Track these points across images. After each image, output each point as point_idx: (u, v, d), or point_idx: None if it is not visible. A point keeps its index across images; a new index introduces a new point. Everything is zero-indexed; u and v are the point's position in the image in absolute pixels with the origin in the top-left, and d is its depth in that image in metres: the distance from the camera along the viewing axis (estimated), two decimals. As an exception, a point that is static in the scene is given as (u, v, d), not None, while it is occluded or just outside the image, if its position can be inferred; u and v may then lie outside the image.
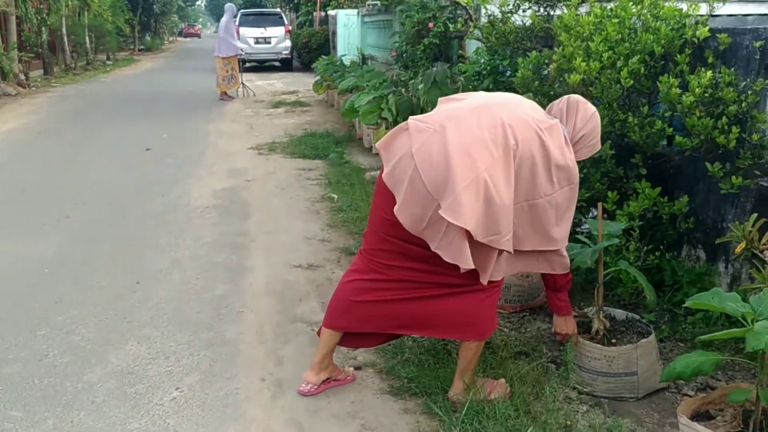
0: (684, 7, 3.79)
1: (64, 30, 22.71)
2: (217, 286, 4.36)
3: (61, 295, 4.21)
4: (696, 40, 3.59)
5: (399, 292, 2.91)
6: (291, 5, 32.49)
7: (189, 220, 5.81)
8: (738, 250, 2.64)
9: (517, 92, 4.42)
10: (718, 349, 3.25)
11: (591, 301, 3.81)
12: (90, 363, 3.39)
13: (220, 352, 3.51)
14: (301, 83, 17.62)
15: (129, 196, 6.58)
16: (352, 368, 3.29)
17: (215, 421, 2.92)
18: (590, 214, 4.39)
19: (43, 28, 20.23)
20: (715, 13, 4.32)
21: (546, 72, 4.35)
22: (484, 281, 2.77)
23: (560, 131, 2.79)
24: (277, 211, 6.08)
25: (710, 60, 3.55)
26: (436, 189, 2.60)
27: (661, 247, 3.93)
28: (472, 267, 2.62)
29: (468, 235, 2.59)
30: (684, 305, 2.53)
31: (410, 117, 2.89)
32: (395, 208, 2.70)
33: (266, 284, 4.40)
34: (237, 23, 21.91)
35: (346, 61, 13.54)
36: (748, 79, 3.38)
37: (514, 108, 2.80)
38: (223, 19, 14.37)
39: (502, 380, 3.09)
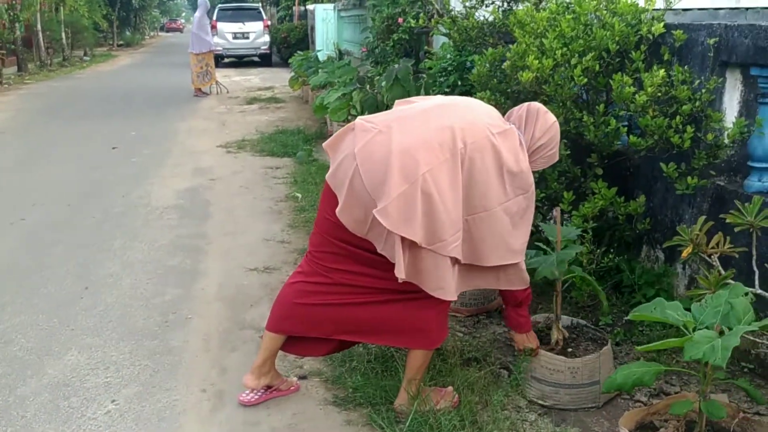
0: (641, 2, 3.70)
1: (39, 26, 22.36)
2: (168, 291, 4.24)
3: (5, 302, 4.07)
4: (651, 37, 3.50)
5: (344, 297, 2.79)
6: (270, 0, 32.23)
7: (147, 222, 5.67)
8: (684, 254, 2.54)
9: (474, 89, 4.33)
10: (670, 356, 3.19)
11: (547, 306, 3.74)
12: (25, 375, 3.26)
13: (162, 361, 3.39)
14: (279, 79, 17.45)
15: (89, 197, 6.43)
16: (295, 378, 3.18)
17: (148, 436, 2.81)
18: (550, 216, 4.32)
19: (17, 24, 19.92)
20: (687, 7, 4.25)
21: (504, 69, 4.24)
22: (436, 295, 2.65)
23: (515, 137, 2.68)
24: (238, 212, 5.95)
25: (666, 57, 3.46)
26: (374, 190, 2.49)
27: (618, 247, 3.85)
28: (404, 278, 2.51)
29: (414, 243, 2.50)
30: (628, 317, 2.44)
31: (358, 117, 2.79)
32: (337, 210, 2.60)
33: (218, 289, 4.27)
34: (215, 18, 21.78)
35: (323, 57, 13.40)
36: (703, 77, 3.30)
37: (467, 111, 2.70)
38: (197, 14, 14.17)
39: (450, 388, 3.00)
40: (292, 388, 3.12)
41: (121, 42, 37.97)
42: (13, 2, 19.43)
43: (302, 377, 3.20)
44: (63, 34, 25.05)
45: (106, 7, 31.90)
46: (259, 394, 3.02)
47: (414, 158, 2.49)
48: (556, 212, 2.99)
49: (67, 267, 4.65)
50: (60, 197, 6.40)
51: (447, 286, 2.63)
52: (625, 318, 2.59)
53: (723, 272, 2.48)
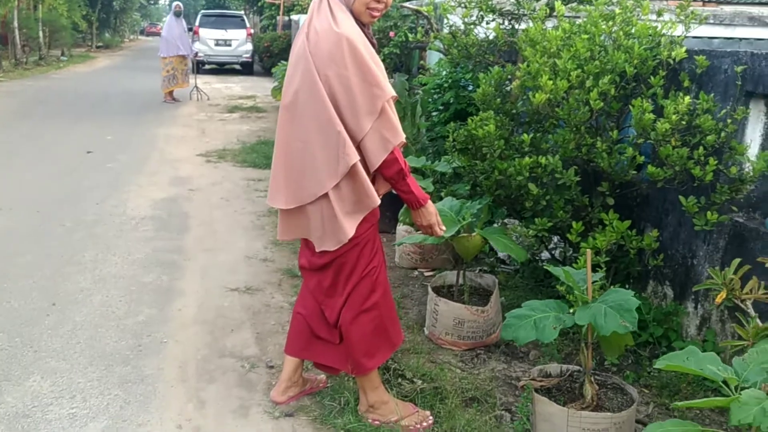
0: (658, 25, 3.51)
1: (15, 23, 21.83)
2: (142, 310, 3.94)
3: (-38, 317, 3.75)
4: (671, 62, 3.31)
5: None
6: (255, 8, 31.96)
7: (121, 232, 5.35)
8: (718, 300, 2.33)
9: (477, 108, 4.11)
10: (690, 410, 2.96)
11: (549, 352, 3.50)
12: (-20, 403, 2.95)
13: (134, 391, 3.09)
14: (261, 88, 17.17)
15: (60, 203, 6.09)
16: (323, 376, 3.16)
17: (117, 480, 2.51)
18: (552, 247, 4.10)
19: (-8, 20, 19.43)
20: (694, 35, 4.08)
21: (509, 89, 4.04)
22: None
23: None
24: (218, 226, 5.66)
25: (686, 83, 3.27)
26: None
27: (624, 282, 3.64)
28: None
29: None
30: (653, 365, 2.20)
31: None
32: None
33: (197, 310, 3.98)
34: (197, 24, 21.46)
35: (306, 68, 13.14)
36: (728, 107, 3.11)
37: None
38: (167, 18, 13.84)
39: (426, 413, 2.91)
40: (321, 385, 3.13)
41: (100, 44, 37.42)
42: (-10, -2, 18.95)
43: (288, 415, 2.92)
44: (40, 33, 24.49)
45: (86, 7, 31.38)
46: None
47: None
48: (587, 256, 2.68)
49: (33, 279, 4.32)
50: (29, 202, 6.05)
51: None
52: (655, 367, 2.34)
53: (760, 322, 2.27)
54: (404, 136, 2.59)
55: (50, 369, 3.25)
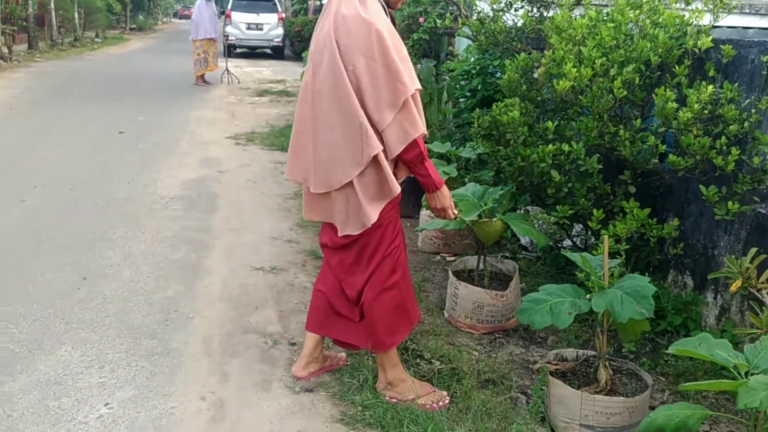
0: (686, 14, 3.50)
1: (52, 4, 22.17)
2: (170, 286, 4.05)
3: (-2, 288, 3.89)
4: (697, 51, 3.31)
5: None
6: (287, -8, 32.00)
7: (151, 211, 5.47)
8: (734, 288, 2.35)
9: (504, 95, 4.14)
10: (704, 397, 2.98)
11: (566, 337, 3.54)
12: (14, 370, 3.07)
13: (160, 363, 3.19)
14: (291, 72, 17.26)
15: (92, 182, 6.23)
16: (343, 354, 3.25)
17: (142, 447, 2.61)
18: (575, 234, 4.12)
19: (30, 2, 19.73)
20: (721, 24, 4.06)
21: (535, 76, 4.06)
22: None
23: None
24: (245, 207, 5.76)
25: (711, 73, 3.26)
26: None
27: (644, 271, 3.65)
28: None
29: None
30: (667, 351, 2.24)
31: None
32: None
33: (222, 288, 4.08)
34: (229, 7, 21.57)
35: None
36: (752, 97, 3.10)
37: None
38: (198, 2, 13.91)
39: (443, 393, 2.97)
40: (341, 362, 3.19)
41: (133, 26, 37.81)
42: (28, -21, 19.26)
43: (308, 390, 3.01)
44: (76, 14, 24.88)
45: (121, -11, 31.71)
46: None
47: None
48: (605, 242, 2.72)
49: (66, 254, 4.46)
50: (63, 180, 6.21)
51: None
52: (666, 351, 2.37)
53: (774, 310, 2.29)
54: (425, 128, 2.66)
55: (80, 340, 3.37)
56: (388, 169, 2.65)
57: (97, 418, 2.75)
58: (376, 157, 2.59)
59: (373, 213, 2.67)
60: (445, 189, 2.79)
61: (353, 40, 2.54)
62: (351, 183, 2.65)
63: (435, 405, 2.88)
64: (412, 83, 2.59)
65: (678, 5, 3.61)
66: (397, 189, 2.68)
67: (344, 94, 2.57)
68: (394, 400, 2.90)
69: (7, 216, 5.17)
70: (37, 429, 2.67)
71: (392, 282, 2.82)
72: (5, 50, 16.84)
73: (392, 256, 2.82)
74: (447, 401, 2.92)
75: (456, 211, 2.88)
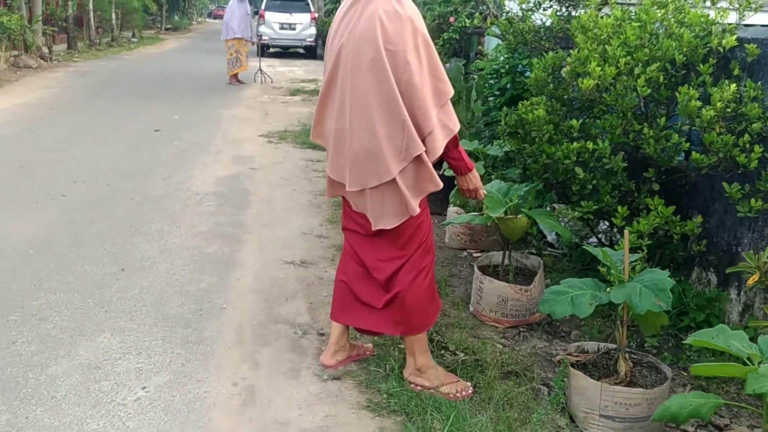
0: (711, 13, 3.53)
1: (90, 5, 22.66)
2: (204, 278, 4.19)
3: (41, 278, 4.06)
4: (722, 50, 3.34)
5: None
6: (319, -8, 32.21)
7: (186, 207, 5.64)
8: (750, 282, 2.40)
9: (530, 93, 4.20)
10: (720, 385, 3.02)
11: (588, 330, 3.60)
12: (57, 354, 3.23)
13: (194, 350, 3.33)
14: (323, 72, 17.38)
15: (129, 178, 6.43)
16: (370, 345, 3.35)
17: (177, 428, 2.73)
18: (599, 231, 4.17)
19: (70, 3, 20.21)
20: (748, 23, 4.07)
21: (562, 74, 4.11)
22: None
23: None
24: (277, 203, 5.89)
25: (736, 72, 3.30)
26: None
27: (668, 267, 3.69)
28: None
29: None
30: (685, 342, 2.29)
31: None
32: None
33: (254, 280, 4.21)
34: (262, 7, 21.82)
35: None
36: (776, 95, 3.13)
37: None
38: (230, 2, 14.10)
39: (467, 383, 3.05)
40: (368, 353, 3.28)
41: (168, 26, 38.37)
42: (68, -19, 19.71)
43: (336, 378, 3.11)
44: (113, 15, 25.37)
45: (157, -10, 32.22)
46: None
47: None
48: (625, 236, 2.78)
49: (105, 247, 4.63)
50: (101, 176, 6.41)
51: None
52: (684, 342, 2.43)
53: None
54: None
55: (119, 328, 3.52)
56: (430, 165, 2.76)
57: (134, 400, 2.89)
58: (418, 156, 2.70)
59: (415, 206, 2.79)
60: (475, 171, 2.95)
61: (401, 43, 2.62)
62: (392, 180, 2.76)
63: (459, 394, 2.97)
64: (450, 85, 2.72)
65: (704, 4, 3.64)
66: (439, 184, 2.79)
67: (387, 94, 2.65)
68: (418, 388, 2.99)
69: (50, 210, 5.36)
70: (79, 410, 2.81)
71: (426, 265, 2.95)
72: (46, 50, 17.27)
73: (426, 242, 2.94)
74: (470, 391, 3.01)
75: (484, 191, 3.03)
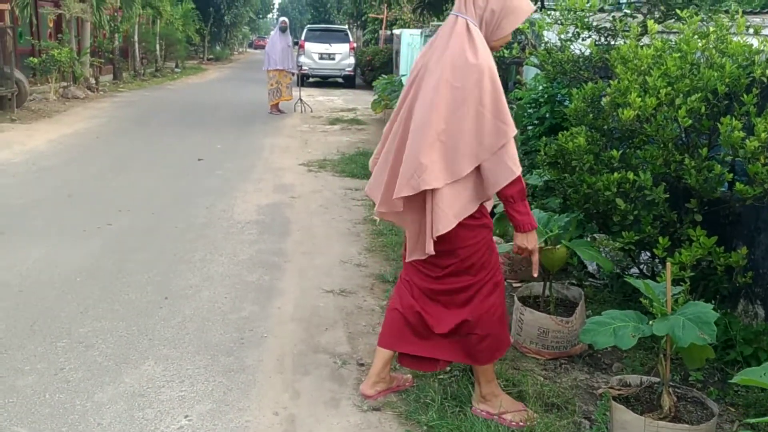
0: (755, 43, 3.51)
1: (136, 37, 23.34)
2: (245, 307, 4.24)
3: (87, 306, 4.16)
4: (765, 80, 3.31)
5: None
6: (358, 23, 32.70)
7: (228, 235, 5.73)
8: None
9: (570, 123, 4.20)
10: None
11: (630, 362, 3.55)
12: (103, 381, 3.29)
13: (236, 379, 3.37)
14: (361, 101, 17.60)
15: (173, 206, 6.56)
16: (410, 376, 3.33)
17: (219, 457, 2.77)
18: (641, 262, 4.12)
19: (116, 35, 20.82)
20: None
21: (602, 104, 4.11)
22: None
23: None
24: (317, 231, 5.95)
25: (780, 102, 3.27)
26: None
27: (713, 300, 3.63)
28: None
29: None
30: (731, 380, 2.25)
31: None
32: None
33: (294, 309, 4.25)
34: (302, 38, 22.21)
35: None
36: (821, 126, 3.09)
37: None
38: (272, 33, 14.43)
39: (522, 406, 3.08)
40: (408, 384, 3.28)
41: (210, 56, 39.24)
42: (115, 14, 20.31)
43: (376, 409, 3.12)
44: (157, 46, 26.06)
45: (200, 21, 32.99)
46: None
47: None
48: (667, 269, 2.75)
49: (149, 275, 4.72)
50: (145, 205, 6.56)
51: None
52: (730, 381, 2.38)
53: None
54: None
55: (163, 356, 3.58)
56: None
57: (177, 429, 2.93)
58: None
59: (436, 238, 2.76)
60: (535, 232, 2.88)
61: (468, 85, 2.63)
62: (418, 210, 2.79)
63: (521, 423, 2.96)
64: (513, 126, 2.69)
65: (747, 33, 3.61)
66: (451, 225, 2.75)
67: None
68: (484, 414, 3.01)
69: (95, 238, 5.50)
70: (123, 437, 2.86)
71: (496, 301, 2.96)
72: (93, 81, 17.78)
73: (494, 277, 2.96)
74: (534, 423, 2.97)
75: (540, 259, 2.99)
